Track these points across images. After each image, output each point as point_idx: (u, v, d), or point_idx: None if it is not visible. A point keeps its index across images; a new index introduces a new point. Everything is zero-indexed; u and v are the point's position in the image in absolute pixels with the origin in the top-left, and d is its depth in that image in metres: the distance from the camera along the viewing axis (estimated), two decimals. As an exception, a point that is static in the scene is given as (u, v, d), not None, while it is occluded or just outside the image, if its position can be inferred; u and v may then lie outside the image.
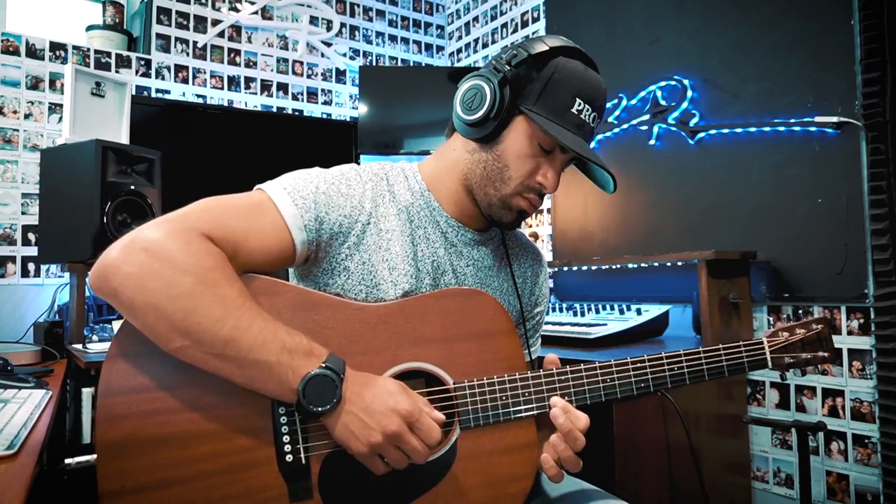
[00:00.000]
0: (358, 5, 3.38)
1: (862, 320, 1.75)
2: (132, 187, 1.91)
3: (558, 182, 0.95)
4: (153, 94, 2.71)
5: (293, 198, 0.88)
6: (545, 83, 0.90)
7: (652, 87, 2.32)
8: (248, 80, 3.00)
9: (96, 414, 0.77)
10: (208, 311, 0.75)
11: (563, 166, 0.97)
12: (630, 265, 2.25)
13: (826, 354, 0.99)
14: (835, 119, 1.78)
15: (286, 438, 0.80)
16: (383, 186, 0.97)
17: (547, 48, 0.91)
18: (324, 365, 0.77)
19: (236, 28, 2.99)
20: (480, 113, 0.90)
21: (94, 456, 0.76)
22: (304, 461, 0.80)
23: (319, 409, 0.76)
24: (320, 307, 0.86)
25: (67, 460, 1.19)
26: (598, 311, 2.13)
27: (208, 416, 0.79)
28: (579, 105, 0.90)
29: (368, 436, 0.77)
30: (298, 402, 0.76)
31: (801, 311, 1.89)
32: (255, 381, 0.77)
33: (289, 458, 0.80)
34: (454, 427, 0.87)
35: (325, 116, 3.19)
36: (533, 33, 2.99)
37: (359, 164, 1.00)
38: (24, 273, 2.38)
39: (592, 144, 2.47)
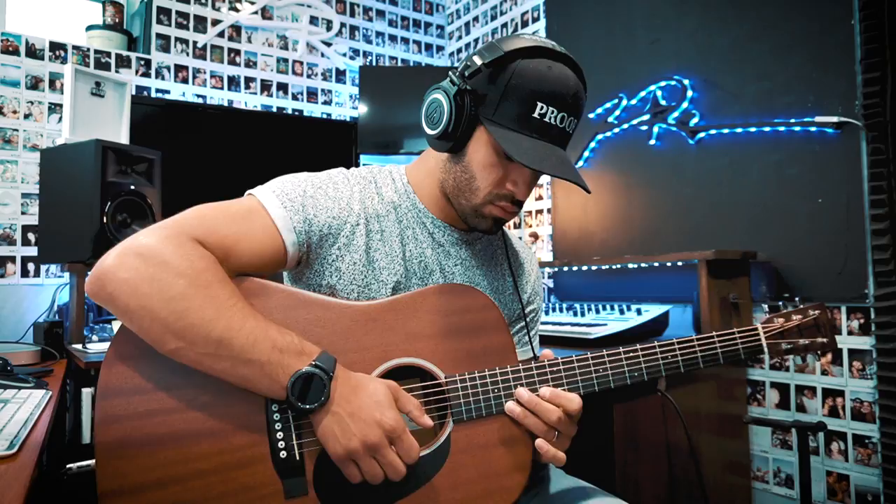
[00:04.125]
0: (358, 5, 3.38)
1: (862, 320, 1.74)
2: (132, 187, 1.91)
3: (529, 189, 0.94)
4: (153, 94, 2.71)
5: (282, 201, 0.90)
6: (502, 90, 0.87)
7: (652, 87, 2.31)
8: (248, 80, 2.99)
9: (95, 416, 0.78)
10: (201, 313, 0.76)
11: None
12: (630, 265, 2.25)
13: (825, 340, 0.96)
14: (835, 119, 1.78)
15: (280, 435, 0.81)
16: (371, 189, 0.98)
17: (502, 53, 0.87)
18: (314, 363, 0.78)
19: (236, 28, 2.98)
20: (440, 128, 0.90)
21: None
22: (297, 458, 0.81)
23: (307, 406, 0.77)
24: (311, 306, 0.88)
25: (69, 465, 1.19)
26: (598, 311, 2.12)
27: (204, 416, 0.80)
28: (541, 108, 0.86)
29: (348, 441, 0.78)
30: (287, 399, 0.77)
31: (801, 311, 1.89)
32: (248, 381, 0.79)
33: (283, 454, 0.81)
34: (447, 421, 0.87)
35: (325, 116, 3.19)
36: (533, 33, 2.98)
37: (358, 164, 1.00)
38: (24, 273, 2.38)
39: (593, 143, 2.48)
